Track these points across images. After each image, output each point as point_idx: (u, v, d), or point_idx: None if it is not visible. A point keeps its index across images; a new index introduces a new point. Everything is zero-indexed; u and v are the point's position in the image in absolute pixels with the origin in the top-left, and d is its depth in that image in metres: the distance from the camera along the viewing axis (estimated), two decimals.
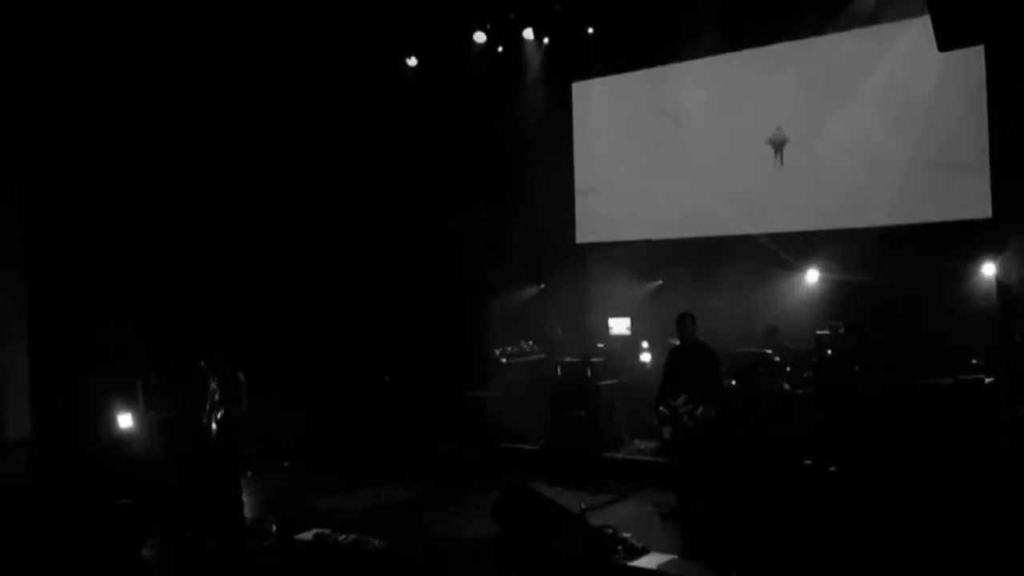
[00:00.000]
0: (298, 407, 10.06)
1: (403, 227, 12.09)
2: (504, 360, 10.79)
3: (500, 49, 11.96)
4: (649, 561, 6.23)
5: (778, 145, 10.63)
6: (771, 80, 10.63)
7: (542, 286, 12.43)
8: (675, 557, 6.36)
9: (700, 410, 7.39)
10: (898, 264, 9.31)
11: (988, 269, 8.93)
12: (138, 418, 8.45)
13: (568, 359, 9.94)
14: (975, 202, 9.24)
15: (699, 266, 10.63)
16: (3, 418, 8.75)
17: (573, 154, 12.46)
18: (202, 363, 8.35)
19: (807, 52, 10.37)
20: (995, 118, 9.10)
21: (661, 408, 7.71)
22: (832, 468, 7.07)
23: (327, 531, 6.97)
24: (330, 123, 11.52)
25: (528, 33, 11.60)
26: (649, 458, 8.92)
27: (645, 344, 10.51)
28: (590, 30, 11.48)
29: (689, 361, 7.74)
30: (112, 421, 8.33)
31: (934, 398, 7.79)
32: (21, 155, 9.06)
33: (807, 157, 10.47)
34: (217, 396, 8.22)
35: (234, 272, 10.46)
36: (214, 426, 8.15)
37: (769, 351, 9.09)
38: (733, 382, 8.67)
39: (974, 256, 9.09)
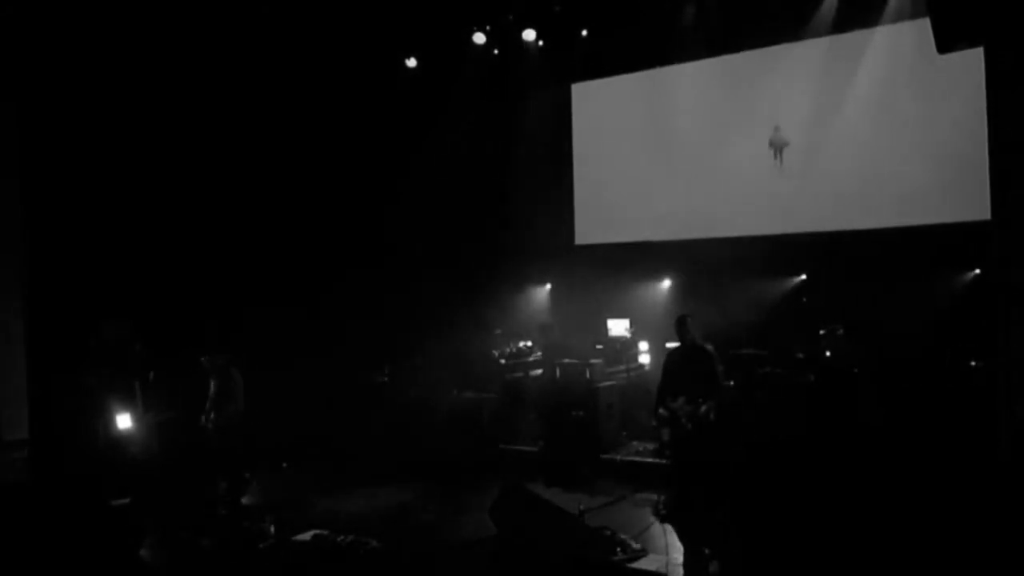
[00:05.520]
0: (296, 407, 10.05)
1: (402, 227, 12.09)
2: (503, 361, 10.79)
3: (499, 50, 11.97)
4: (648, 563, 6.23)
5: (778, 146, 10.64)
6: (770, 82, 10.66)
7: (544, 287, 12.44)
8: (673, 559, 6.36)
9: (704, 407, 7.39)
10: (897, 266, 9.33)
11: (987, 270, 8.94)
12: (136, 418, 8.44)
13: (567, 360, 9.93)
14: (974, 204, 9.22)
15: (698, 268, 10.64)
16: (1, 418, 8.74)
17: (572, 155, 12.48)
18: (201, 361, 8.37)
19: (805, 54, 10.39)
20: (994, 120, 9.09)
21: (660, 410, 7.71)
22: (831, 469, 7.07)
23: (325, 532, 6.97)
24: (329, 122, 11.52)
25: (528, 34, 11.61)
26: (648, 460, 8.91)
27: (644, 345, 10.51)
28: (589, 32, 11.50)
29: (688, 363, 7.74)
30: (110, 421, 8.33)
31: (933, 399, 7.80)
32: (21, 155, 9.06)
33: (806, 159, 10.49)
34: (215, 395, 8.24)
35: (233, 271, 10.45)
36: (211, 425, 8.18)
37: (767, 353, 9.10)
38: (732, 383, 8.67)
39: (973, 258, 9.10)
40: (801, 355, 9.03)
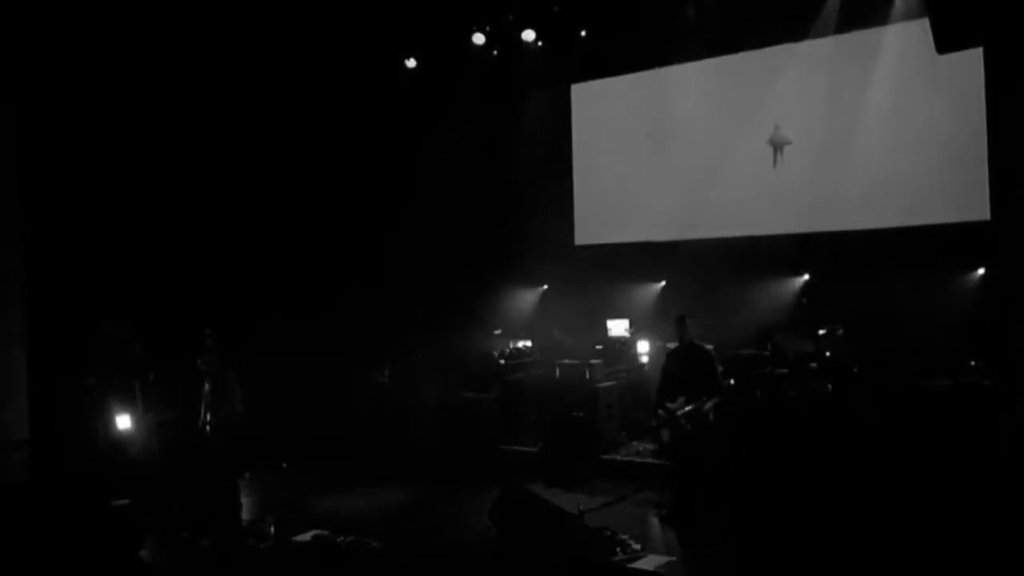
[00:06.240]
0: (297, 408, 10.06)
1: (403, 228, 12.09)
2: (503, 362, 10.79)
3: (499, 51, 11.97)
4: (647, 563, 6.22)
5: (778, 145, 10.64)
6: (769, 82, 10.65)
7: (544, 287, 12.44)
8: (673, 559, 6.36)
9: (709, 404, 7.39)
10: (896, 266, 9.33)
11: (987, 270, 8.95)
12: (136, 419, 8.44)
13: (567, 361, 9.94)
14: (973, 204, 9.24)
15: (698, 268, 10.64)
16: (1, 419, 8.74)
17: (572, 155, 12.48)
18: (199, 362, 8.37)
19: (805, 54, 10.38)
20: (993, 120, 9.10)
21: (659, 411, 7.71)
22: (829, 471, 7.07)
23: (325, 532, 6.97)
24: (330, 123, 11.52)
25: (527, 35, 11.61)
26: (647, 460, 8.91)
27: (644, 346, 10.51)
28: (589, 32, 11.50)
29: (686, 363, 7.74)
30: (111, 422, 8.33)
31: (933, 400, 7.79)
32: (21, 155, 9.06)
33: (806, 159, 10.49)
34: (212, 396, 8.23)
35: (232, 272, 10.46)
36: (208, 426, 8.18)
37: (767, 353, 9.08)
38: (732, 383, 8.67)
39: (972, 258, 9.10)
40: (801, 355, 9.02)
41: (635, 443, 9.56)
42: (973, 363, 8.06)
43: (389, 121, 11.99)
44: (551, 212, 12.11)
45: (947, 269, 9.25)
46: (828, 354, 8.80)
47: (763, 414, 8.21)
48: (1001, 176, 9.06)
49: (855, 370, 8.51)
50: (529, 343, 11.35)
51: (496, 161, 12.28)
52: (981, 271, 9.10)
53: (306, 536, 7.02)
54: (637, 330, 10.88)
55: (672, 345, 8.45)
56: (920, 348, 8.53)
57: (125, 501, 7.50)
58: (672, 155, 11.48)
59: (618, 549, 6.38)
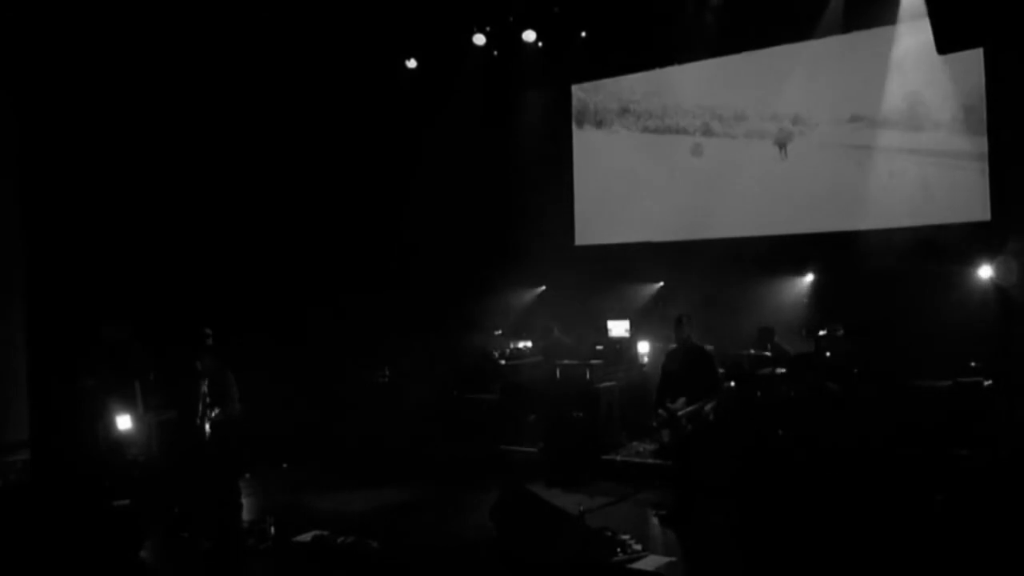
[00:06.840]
0: (297, 408, 10.04)
1: (403, 229, 12.09)
2: (503, 362, 10.79)
3: (500, 51, 11.97)
4: (648, 563, 6.22)
5: (781, 145, 10.65)
6: (770, 83, 10.67)
7: (542, 288, 12.44)
8: (674, 560, 6.36)
9: (710, 405, 7.38)
10: (897, 266, 9.34)
11: (987, 271, 8.96)
12: (137, 419, 8.44)
13: (567, 361, 9.93)
14: (974, 204, 9.26)
15: (698, 268, 10.64)
16: (1, 419, 8.74)
17: (572, 156, 12.48)
18: (197, 363, 8.36)
19: (805, 55, 10.39)
20: (994, 120, 9.13)
21: (660, 411, 7.71)
22: (831, 471, 7.07)
23: (325, 533, 6.96)
24: (329, 124, 11.52)
25: (527, 35, 11.61)
26: (648, 460, 8.91)
27: (644, 346, 10.51)
28: (589, 32, 11.50)
29: (686, 363, 7.74)
30: (110, 423, 8.33)
31: (933, 400, 7.79)
32: (21, 155, 9.06)
33: (807, 159, 10.50)
34: (210, 396, 8.23)
35: (232, 272, 10.46)
36: (207, 426, 8.17)
37: (767, 354, 9.09)
38: (732, 383, 8.67)
39: (973, 258, 9.12)
40: (801, 356, 9.02)
41: (635, 443, 9.55)
42: (973, 363, 8.06)
43: (389, 121, 11.99)
44: (551, 212, 12.11)
45: (948, 269, 9.26)
46: (828, 354, 8.80)
47: (763, 415, 8.21)
48: (1001, 176, 9.10)
49: (855, 370, 8.51)
50: (529, 343, 11.34)
51: (496, 161, 12.28)
52: (981, 271, 9.10)
53: (306, 536, 7.01)
54: (637, 330, 10.87)
55: (672, 345, 8.46)
56: (920, 348, 8.54)
57: (125, 501, 7.50)
58: (672, 155, 11.49)
59: (618, 549, 6.38)
